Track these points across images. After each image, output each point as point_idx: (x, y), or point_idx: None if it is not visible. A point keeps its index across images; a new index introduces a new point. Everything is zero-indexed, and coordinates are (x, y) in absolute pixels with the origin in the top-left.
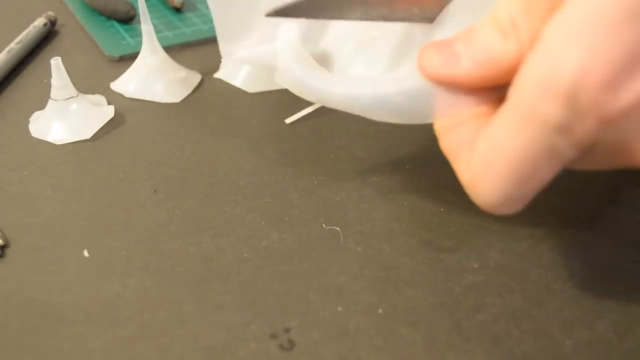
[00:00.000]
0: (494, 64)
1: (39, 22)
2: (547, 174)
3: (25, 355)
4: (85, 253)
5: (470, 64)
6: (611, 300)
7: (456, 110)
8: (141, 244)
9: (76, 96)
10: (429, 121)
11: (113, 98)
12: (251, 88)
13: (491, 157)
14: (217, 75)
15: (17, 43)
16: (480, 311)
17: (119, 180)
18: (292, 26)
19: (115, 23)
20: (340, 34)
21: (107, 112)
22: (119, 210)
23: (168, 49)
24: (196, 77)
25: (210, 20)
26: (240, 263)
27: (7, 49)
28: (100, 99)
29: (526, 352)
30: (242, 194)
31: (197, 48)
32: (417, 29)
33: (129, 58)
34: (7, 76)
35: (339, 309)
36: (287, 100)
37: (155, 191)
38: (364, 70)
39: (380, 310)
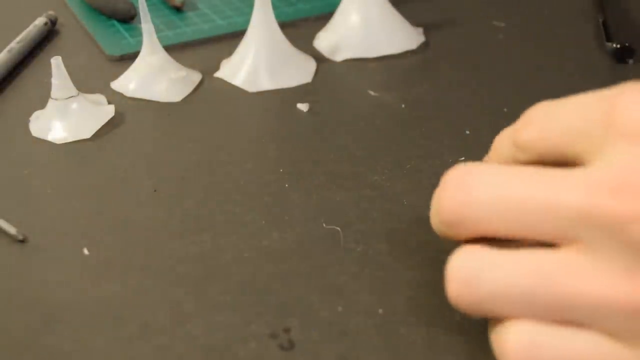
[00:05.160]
0: None
1: (40, 21)
2: None
3: (25, 355)
4: (85, 251)
5: None
6: None
7: None
8: (141, 244)
9: (76, 95)
10: None
11: (113, 97)
12: (251, 88)
13: None
14: (217, 74)
15: (18, 42)
16: None
17: (119, 179)
18: None
19: (115, 22)
20: None
21: (108, 111)
22: (119, 210)
23: (168, 49)
24: (197, 77)
25: (211, 20)
26: (240, 263)
27: (7, 48)
28: (101, 98)
29: None
30: (242, 193)
31: (197, 47)
32: None
33: (130, 57)
34: (7, 75)
35: (339, 309)
36: (287, 100)
37: (155, 191)
38: None
39: (380, 310)
